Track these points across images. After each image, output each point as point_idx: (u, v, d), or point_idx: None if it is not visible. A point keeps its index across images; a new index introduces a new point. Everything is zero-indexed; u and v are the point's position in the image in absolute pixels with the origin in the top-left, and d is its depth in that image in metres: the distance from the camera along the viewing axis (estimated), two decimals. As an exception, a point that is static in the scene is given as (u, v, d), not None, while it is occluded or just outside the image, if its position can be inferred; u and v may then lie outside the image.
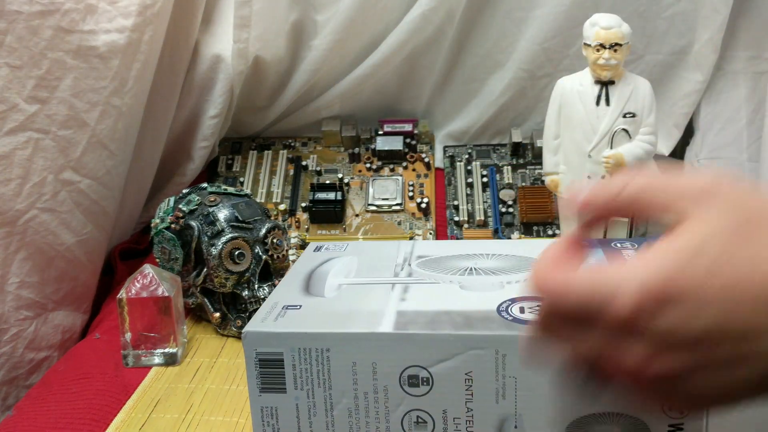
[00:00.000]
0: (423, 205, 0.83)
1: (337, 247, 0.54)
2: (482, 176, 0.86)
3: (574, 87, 0.68)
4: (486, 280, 0.44)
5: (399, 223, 0.83)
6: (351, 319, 0.40)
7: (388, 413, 0.39)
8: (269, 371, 0.40)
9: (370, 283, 0.45)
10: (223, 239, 0.62)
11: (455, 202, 0.84)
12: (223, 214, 0.63)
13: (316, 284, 0.46)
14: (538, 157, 0.85)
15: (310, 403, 0.40)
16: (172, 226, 0.64)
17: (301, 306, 0.42)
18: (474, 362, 0.37)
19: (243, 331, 0.40)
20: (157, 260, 0.67)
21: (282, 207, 0.84)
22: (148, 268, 0.60)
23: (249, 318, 0.63)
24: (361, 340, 0.38)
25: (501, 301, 0.40)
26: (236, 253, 0.62)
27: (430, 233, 0.82)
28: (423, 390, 0.38)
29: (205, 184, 0.68)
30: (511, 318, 0.38)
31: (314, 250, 0.54)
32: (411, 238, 0.80)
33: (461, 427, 0.38)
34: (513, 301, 0.40)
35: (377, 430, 0.39)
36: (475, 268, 0.46)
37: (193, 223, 0.63)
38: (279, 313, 0.41)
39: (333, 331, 0.39)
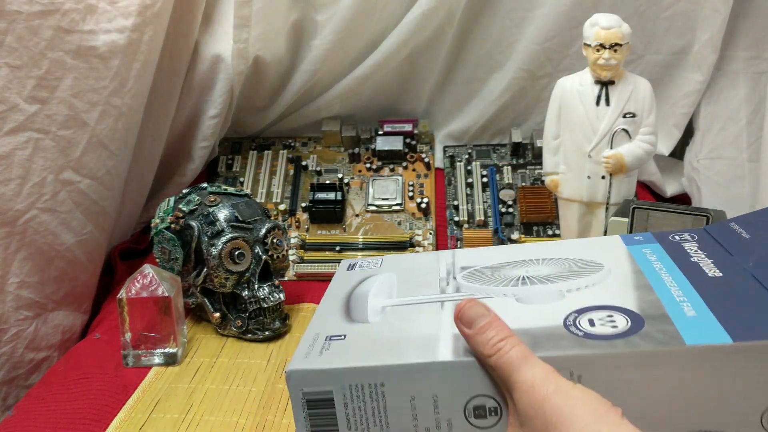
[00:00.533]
0: (423, 205, 0.83)
1: (372, 263, 0.49)
2: (482, 176, 0.86)
3: (574, 87, 0.68)
4: (542, 289, 0.40)
5: (399, 223, 0.83)
6: (404, 348, 0.36)
7: None
8: (319, 412, 0.36)
9: (416, 302, 0.41)
10: (223, 239, 0.62)
11: (455, 202, 0.84)
12: (223, 214, 0.63)
13: (357, 308, 0.42)
14: (538, 157, 0.85)
15: None
16: (172, 226, 0.64)
17: (345, 335, 0.39)
18: None
19: (286, 370, 0.37)
20: (157, 260, 0.67)
21: (282, 207, 0.84)
22: (148, 268, 0.60)
23: (249, 318, 0.63)
24: (419, 371, 0.35)
25: (566, 313, 0.36)
26: (236, 253, 0.62)
27: (430, 233, 0.82)
28: (491, 421, 0.35)
29: (205, 184, 0.68)
30: (582, 333, 0.34)
31: (347, 269, 0.50)
32: (410, 239, 0.80)
33: None
34: (579, 312, 0.36)
35: None
36: (527, 277, 0.42)
37: (193, 223, 0.63)
38: (323, 345, 0.38)
39: (386, 364, 0.35)
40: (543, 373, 0.32)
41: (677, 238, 0.43)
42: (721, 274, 0.38)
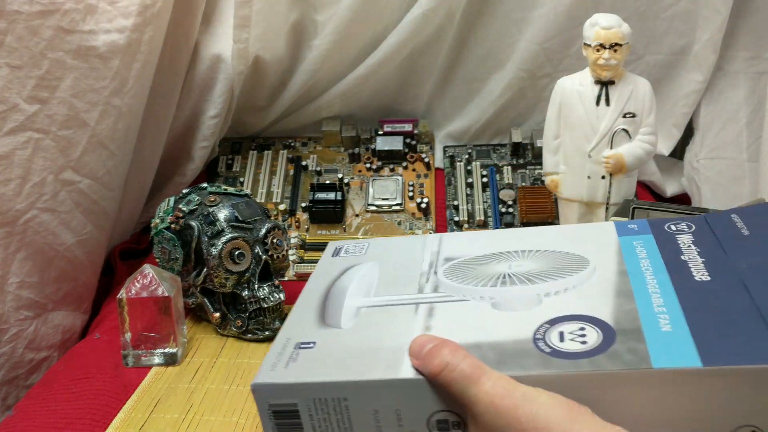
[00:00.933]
0: (423, 205, 0.83)
1: (358, 248, 0.49)
2: (482, 176, 0.86)
3: (574, 87, 0.68)
4: (521, 292, 0.39)
5: (399, 223, 0.83)
6: (368, 362, 0.36)
7: None
8: (285, 422, 0.37)
9: (391, 304, 0.41)
10: (223, 239, 0.62)
11: (455, 202, 0.84)
12: (223, 214, 0.63)
13: (332, 309, 0.42)
14: (538, 157, 0.85)
15: None
16: (172, 226, 0.64)
17: (315, 343, 0.38)
18: None
19: (252, 383, 0.37)
20: (157, 260, 0.67)
21: (282, 207, 0.84)
22: (148, 268, 0.60)
23: (249, 318, 0.63)
24: (380, 388, 0.35)
25: (537, 325, 0.36)
26: (236, 253, 0.62)
27: (430, 233, 0.81)
28: None
29: (205, 184, 0.68)
30: (549, 350, 0.34)
31: (333, 255, 0.49)
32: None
33: None
34: (551, 323, 0.36)
35: None
36: (509, 275, 0.41)
37: (193, 223, 0.63)
38: (290, 355, 0.38)
39: (348, 380, 0.35)
40: (504, 382, 0.32)
41: (673, 228, 0.42)
42: (708, 279, 0.37)
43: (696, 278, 0.37)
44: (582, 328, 0.35)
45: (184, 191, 0.67)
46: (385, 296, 0.42)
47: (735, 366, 0.31)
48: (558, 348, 0.34)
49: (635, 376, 0.32)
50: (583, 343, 0.34)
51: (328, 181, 0.85)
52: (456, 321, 0.38)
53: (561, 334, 0.35)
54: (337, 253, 0.49)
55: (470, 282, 0.41)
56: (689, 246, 0.40)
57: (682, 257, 0.39)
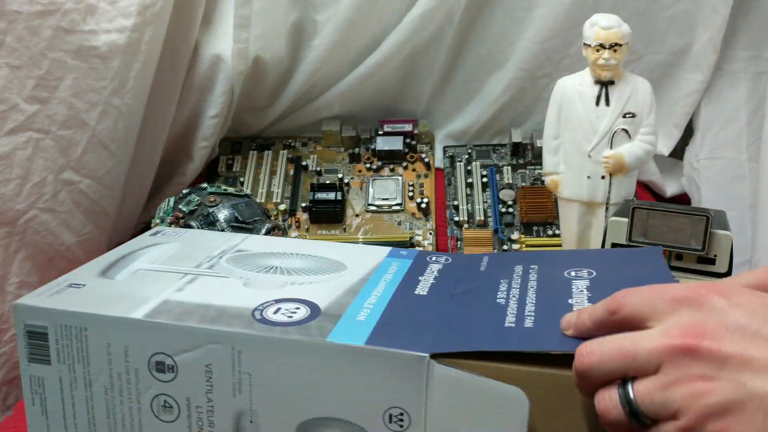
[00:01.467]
0: (423, 206, 0.83)
1: (174, 233, 0.54)
2: (482, 176, 0.86)
3: (574, 87, 0.68)
4: (274, 279, 0.44)
5: (399, 223, 0.83)
6: (112, 303, 0.41)
7: (139, 395, 0.40)
8: (36, 343, 0.41)
9: (165, 271, 0.45)
10: (223, 239, 0.62)
11: (455, 202, 0.84)
12: (223, 214, 0.63)
13: (117, 267, 0.46)
14: (538, 157, 0.85)
15: (72, 377, 0.41)
16: (172, 226, 0.64)
17: (84, 285, 0.43)
18: (213, 356, 0.38)
19: (13, 302, 0.41)
20: (157, 260, 0.67)
21: (282, 207, 0.84)
22: (147, 269, 0.60)
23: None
24: (114, 324, 0.39)
25: (264, 300, 0.41)
26: (236, 253, 0.62)
27: (430, 233, 0.82)
28: (169, 376, 0.39)
29: (205, 185, 0.68)
30: (259, 318, 0.39)
31: (151, 234, 0.54)
32: (410, 239, 0.80)
33: (203, 416, 0.39)
34: (277, 301, 0.41)
35: (130, 410, 0.40)
36: (279, 267, 0.46)
37: (193, 224, 0.63)
38: (58, 289, 0.42)
39: (88, 312, 0.40)
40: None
41: (433, 259, 0.47)
42: (425, 294, 0.42)
43: (415, 292, 0.42)
44: (297, 308, 0.40)
45: (184, 191, 0.67)
46: (165, 265, 0.46)
47: (388, 349, 0.35)
48: (267, 318, 0.39)
49: (311, 346, 0.36)
50: (290, 317, 0.39)
51: (328, 181, 0.85)
52: (207, 289, 0.42)
53: (278, 309, 0.40)
54: (155, 233, 0.54)
55: (242, 267, 0.46)
56: (433, 272, 0.45)
57: (420, 277, 0.44)
